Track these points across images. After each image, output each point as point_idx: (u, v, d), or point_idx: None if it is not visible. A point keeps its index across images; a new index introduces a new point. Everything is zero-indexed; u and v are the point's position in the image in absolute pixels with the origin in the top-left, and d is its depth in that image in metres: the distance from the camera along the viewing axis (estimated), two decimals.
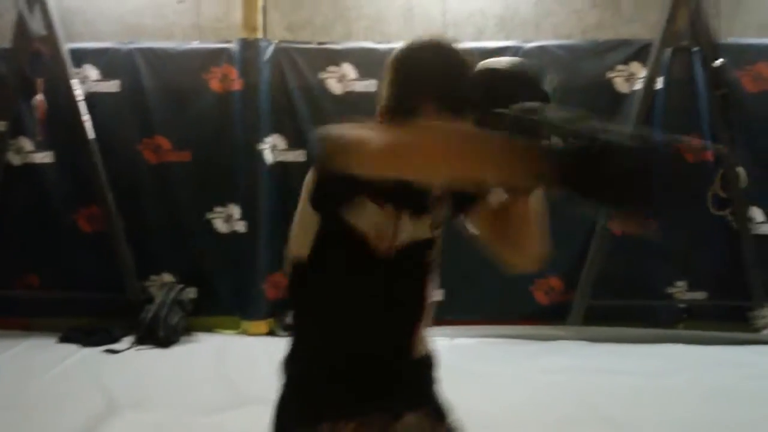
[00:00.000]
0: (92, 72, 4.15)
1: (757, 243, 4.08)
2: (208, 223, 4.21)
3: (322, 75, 4.10)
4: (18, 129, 4.14)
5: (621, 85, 4.08)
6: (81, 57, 4.13)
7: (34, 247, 4.24)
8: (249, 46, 4.06)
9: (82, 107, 4.08)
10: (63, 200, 4.21)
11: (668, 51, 4.03)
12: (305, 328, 1.21)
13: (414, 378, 1.24)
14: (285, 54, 4.12)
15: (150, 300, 4.12)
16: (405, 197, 1.11)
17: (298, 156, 4.15)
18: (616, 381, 3.37)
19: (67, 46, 4.08)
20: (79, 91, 4.08)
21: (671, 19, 3.95)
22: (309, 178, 1.17)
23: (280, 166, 4.16)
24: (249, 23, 4.06)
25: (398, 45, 1.16)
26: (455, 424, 1.26)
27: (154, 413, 2.96)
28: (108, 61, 4.15)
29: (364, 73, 4.07)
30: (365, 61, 4.08)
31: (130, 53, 4.14)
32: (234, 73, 4.09)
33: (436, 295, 1.27)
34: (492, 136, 0.89)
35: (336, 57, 4.11)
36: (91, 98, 4.12)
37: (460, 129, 0.96)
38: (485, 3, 4.18)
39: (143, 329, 3.94)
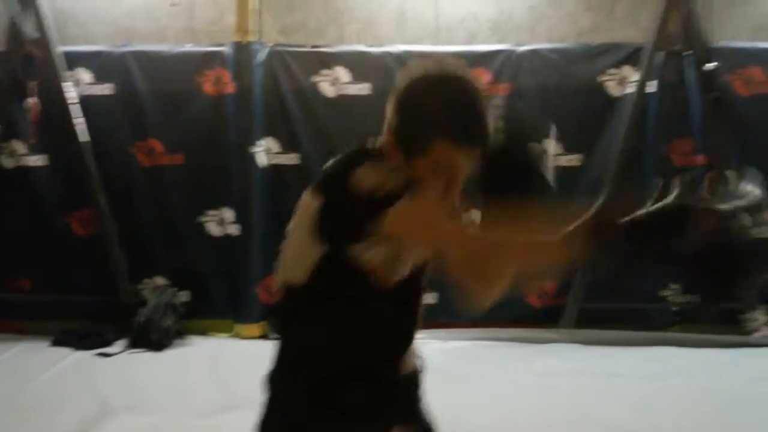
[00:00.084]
0: (85, 75, 4.21)
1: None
2: (201, 226, 4.27)
3: (315, 78, 4.17)
4: (11, 132, 4.21)
5: (613, 88, 4.16)
6: (74, 60, 4.19)
7: (27, 250, 4.30)
8: (242, 49, 4.14)
9: (76, 110, 4.14)
10: (56, 203, 4.28)
11: (660, 54, 4.11)
12: (292, 351, 1.22)
13: (401, 395, 1.27)
14: (278, 57, 4.19)
15: (143, 303, 4.18)
16: None
17: (291, 159, 4.22)
18: (609, 384, 3.43)
19: (60, 49, 4.14)
20: (72, 94, 4.14)
21: (664, 23, 4.04)
22: (309, 202, 1.15)
23: (274, 169, 4.23)
24: (242, 26, 4.14)
25: (406, 77, 1.13)
26: None
27: (147, 416, 3.00)
28: (101, 64, 4.21)
29: (356, 77, 4.15)
30: (358, 65, 4.16)
31: (123, 56, 4.20)
32: (227, 76, 4.17)
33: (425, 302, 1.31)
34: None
35: (329, 60, 4.18)
36: (85, 101, 4.18)
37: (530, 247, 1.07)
38: (478, 6, 4.27)
39: (136, 332, 4.00)
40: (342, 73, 4.17)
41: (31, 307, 4.28)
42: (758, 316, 4.14)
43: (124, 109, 4.23)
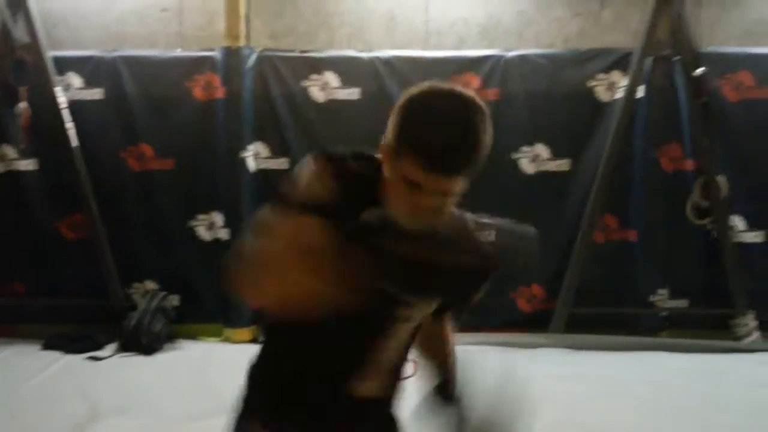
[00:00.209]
0: (76, 80, 4.32)
1: (739, 251, 4.27)
2: (191, 230, 4.37)
3: (305, 83, 4.28)
4: (1, 137, 4.32)
5: (602, 93, 4.26)
6: (64, 65, 4.29)
7: (18, 255, 4.41)
8: (232, 54, 4.24)
9: (66, 115, 4.24)
10: (46, 208, 4.38)
11: (649, 60, 4.20)
12: (261, 353, 1.34)
13: (347, 420, 1.28)
14: (268, 62, 4.30)
15: (133, 307, 4.28)
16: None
17: (280, 164, 4.33)
18: (599, 389, 3.52)
19: (50, 54, 4.24)
20: (62, 99, 4.24)
21: (652, 28, 4.13)
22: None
23: (263, 174, 4.34)
24: (232, 31, 4.25)
25: (419, 87, 1.14)
26: None
27: (137, 420, 3.08)
28: (91, 69, 4.32)
29: (346, 81, 4.26)
30: (348, 69, 4.26)
31: (113, 61, 4.30)
32: (217, 80, 4.26)
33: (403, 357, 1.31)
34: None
35: (318, 65, 4.28)
36: (75, 106, 4.29)
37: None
38: (468, 12, 4.37)
39: (126, 336, 4.09)
40: (331, 78, 4.27)
41: (21, 311, 4.39)
42: (748, 321, 4.25)
43: (114, 113, 4.33)
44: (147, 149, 4.35)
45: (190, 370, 3.77)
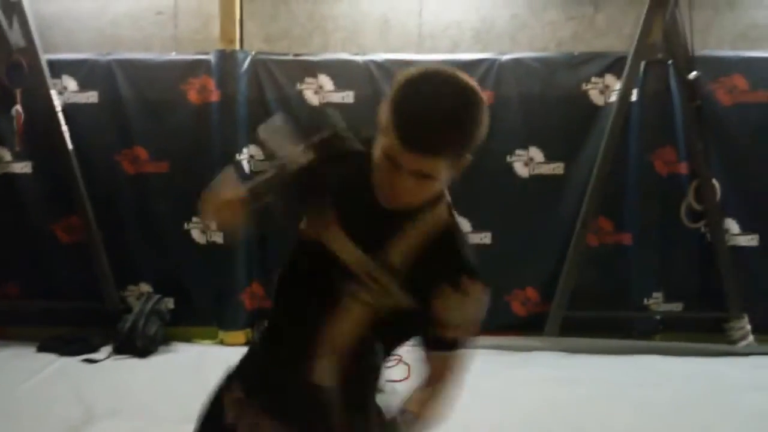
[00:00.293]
0: (71, 83, 4.38)
1: (733, 255, 4.35)
2: (186, 233, 4.44)
3: (300, 86, 4.34)
4: None
5: (596, 97, 4.32)
6: (59, 68, 4.36)
7: (13, 257, 4.49)
8: (226, 57, 4.30)
9: (61, 118, 4.31)
10: (41, 210, 4.44)
11: (643, 63, 4.26)
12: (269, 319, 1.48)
13: (303, 401, 1.32)
14: (262, 65, 4.36)
15: (128, 310, 4.34)
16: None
17: None
18: (593, 392, 3.57)
19: (45, 57, 4.31)
20: (57, 102, 4.31)
21: (646, 32, 4.19)
22: None
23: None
24: (226, 35, 4.32)
25: (422, 68, 1.17)
26: None
27: (132, 422, 3.14)
28: (86, 72, 4.38)
29: (340, 85, 4.33)
30: (342, 73, 4.33)
31: (108, 64, 4.37)
32: (212, 84, 4.32)
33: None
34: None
35: (313, 68, 4.35)
36: (70, 109, 4.35)
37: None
38: (461, 16, 4.45)
39: (121, 339, 4.15)
40: (326, 82, 4.34)
41: (16, 313, 4.46)
42: (743, 324, 4.31)
43: (109, 116, 4.39)
44: (142, 152, 4.42)
45: (184, 372, 3.81)
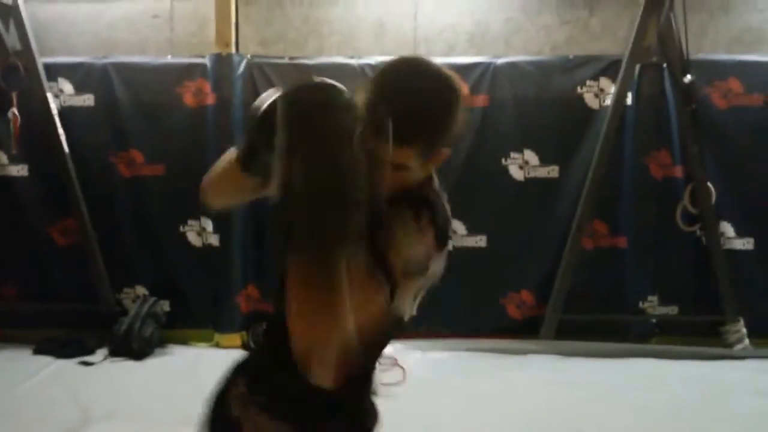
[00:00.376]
0: (67, 86, 4.47)
1: (728, 258, 4.42)
2: (182, 236, 4.52)
3: None
4: None
5: (591, 100, 4.40)
6: (56, 71, 4.45)
7: (9, 259, 4.57)
8: (222, 60, 4.38)
9: (57, 121, 4.39)
10: (38, 213, 4.53)
11: (638, 67, 4.33)
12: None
13: (302, 401, 1.27)
14: (258, 69, 4.44)
15: (124, 312, 4.43)
16: None
17: None
18: (589, 395, 3.62)
19: (41, 61, 4.40)
20: (53, 105, 4.40)
21: (640, 36, 4.26)
22: None
23: None
24: (222, 38, 4.40)
25: (410, 57, 1.22)
26: None
27: (128, 425, 3.20)
28: (82, 75, 4.47)
29: None
30: (337, 76, 4.28)
31: (104, 68, 4.45)
32: (207, 87, 4.40)
33: None
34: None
35: (308, 72, 4.35)
36: (66, 112, 4.44)
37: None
38: (456, 19, 4.54)
39: (117, 341, 4.22)
40: None
41: (12, 316, 4.53)
42: (739, 328, 4.38)
43: (104, 120, 4.47)
44: (137, 155, 4.51)
45: (180, 375, 3.88)
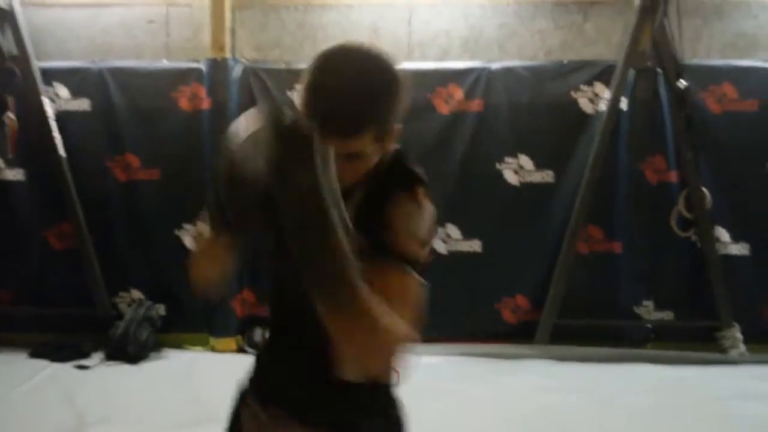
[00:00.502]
0: (63, 91, 4.56)
1: (724, 263, 4.49)
2: (177, 240, 4.58)
3: (290, 94, 4.48)
4: None
5: (585, 105, 4.47)
6: (51, 76, 4.54)
7: (5, 263, 4.65)
8: (217, 65, 4.47)
9: (53, 125, 4.49)
10: (34, 217, 4.62)
11: (632, 72, 4.41)
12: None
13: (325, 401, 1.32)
14: (253, 74, 4.52)
15: (119, 316, 4.50)
16: None
17: None
18: (583, 400, 3.67)
19: (37, 65, 4.49)
20: (49, 110, 4.49)
21: (635, 41, 4.35)
22: None
23: None
24: (217, 43, 4.49)
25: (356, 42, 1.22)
26: None
27: (123, 429, 3.26)
28: (78, 80, 4.56)
29: None
30: None
31: (100, 72, 4.54)
32: (202, 92, 4.48)
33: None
34: None
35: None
36: (62, 117, 4.53)
37: None
38: (450, 24, 4.62)
39: (113, 345, 4.29)
40: None
41: (8, 319, 4.60)
42: (734, 333, 4.44)
43: (100, 124, 4.56)
44: (133, 159, 4.59)
45: (175, 379, 3.93)
